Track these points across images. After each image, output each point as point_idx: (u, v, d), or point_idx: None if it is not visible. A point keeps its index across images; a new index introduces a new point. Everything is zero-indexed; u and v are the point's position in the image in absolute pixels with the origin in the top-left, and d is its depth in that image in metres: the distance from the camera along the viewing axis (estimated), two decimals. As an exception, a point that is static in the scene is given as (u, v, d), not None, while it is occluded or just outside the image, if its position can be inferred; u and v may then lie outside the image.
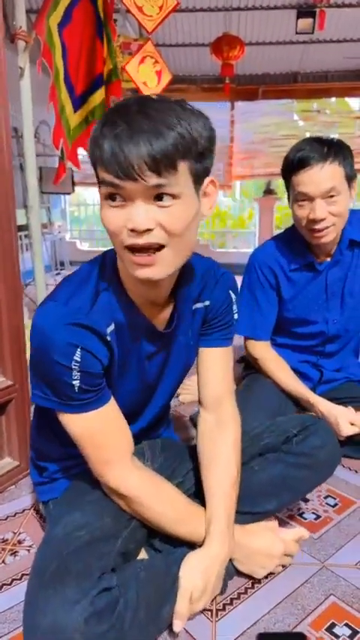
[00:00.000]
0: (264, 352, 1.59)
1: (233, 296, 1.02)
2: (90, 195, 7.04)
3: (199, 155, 0.75)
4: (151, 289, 0.87)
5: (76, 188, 5.71)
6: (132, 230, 0.73)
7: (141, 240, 0.74)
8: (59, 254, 6.21)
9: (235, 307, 1.03)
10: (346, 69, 6.23)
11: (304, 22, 4.64)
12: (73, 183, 5.37)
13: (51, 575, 0.77)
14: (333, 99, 6.58)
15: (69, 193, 5.65)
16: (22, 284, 1.40)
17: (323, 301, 1.52)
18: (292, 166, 1.35)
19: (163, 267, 0.78)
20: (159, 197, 0.73)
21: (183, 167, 0.73)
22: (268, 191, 6.48)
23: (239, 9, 4.95)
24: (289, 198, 1.46)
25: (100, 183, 0.75)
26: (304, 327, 1.57)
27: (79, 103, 2.41)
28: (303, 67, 6.25)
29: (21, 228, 1.37)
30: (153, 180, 0.71)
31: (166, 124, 0.70)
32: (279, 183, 6.68)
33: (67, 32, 2.14)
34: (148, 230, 0.73)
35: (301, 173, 1.33)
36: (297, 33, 4.75)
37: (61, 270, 6.03)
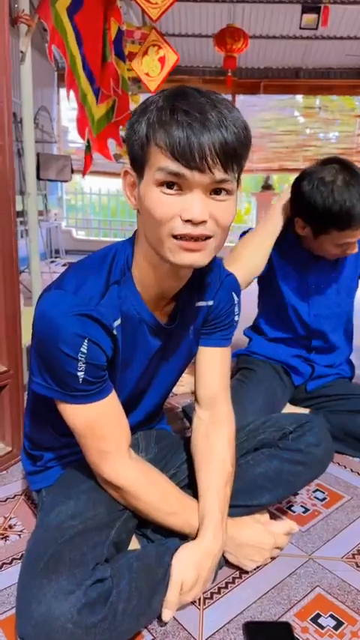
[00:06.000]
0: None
1: (236, 298, 1.03)
2: (87, 183, 6.98)
3: (247, 156, 0.78)
4: (173, 280, 0.88)
5: (74, 176, 5.67)
6: (188, 221, 0.73)
7: (196, 232, 0.74)
8: (55, 242, 6.18)
9: (236, 309, 1.04)
10: (348, 66, 6.21)
11: (309, 18, 4.61)
12: (72, 171, 5.34)
13: (45, 563, 0.78)
14: (335, 96, 6.55)
15: (66, 181, 5.60)
16: (18, 271, 1.39)
17: (308, 292, 1.54)
18: (342, 223, 1.31)
19: (206, 255, 0.79)
20: (216, 191, 0.75)
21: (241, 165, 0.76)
22: (266, 186, 6.46)
23: (244, 1, 4.91)
24: (299, 225, 1.41)
25: (159, 169, 0.73)
26: (289, 319, 1.59)
27: (100, 93, 2.38)
28: (305, 63, 6.22)
29: (17, 214, 1.36)
30: (220, 174, 0.72)
31: (234, 121, 0.72)
32: (277, 179, 6.67)
33: (80, 18, 2.10)
34: (203, 222, 0.74)
35: (353, 230, 1.32)
36: (301, 28, 4.73)
37: (56, 257, 6.00)
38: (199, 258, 0.78)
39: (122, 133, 2.79)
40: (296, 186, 1.37)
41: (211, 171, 0.71)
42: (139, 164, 0.77)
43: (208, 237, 0.76)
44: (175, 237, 0.75)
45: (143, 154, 0.75)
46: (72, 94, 2.24)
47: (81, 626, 0.72)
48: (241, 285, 1.21)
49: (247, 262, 1.46)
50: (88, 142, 2.47)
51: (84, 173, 2.77)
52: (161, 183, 0.74)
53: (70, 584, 0.74)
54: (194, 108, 0.70)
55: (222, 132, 0.70)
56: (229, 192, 0.76)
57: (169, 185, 0.73)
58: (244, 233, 1.59)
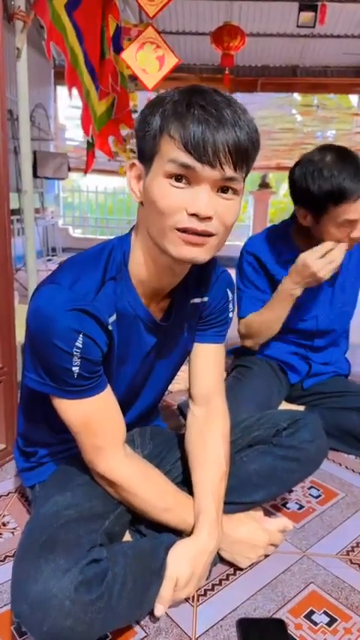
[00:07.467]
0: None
1: (230, 294, 1.03)
2: (84, 181, 6.97)
3: (255, 158, 0.79)
4: (170, 276, 0.88)
5: (71, 174, 5.67)
6: (194, 215, 0.74)
7: (200, 227, 0.75)
8: (51, 240, 6.17)
9: (231, 306, 1.04)
10: (345, 65, 6.21)
11: (306, 16, 4.60)
12: (69, 169, 5.33)
13: (41, 546, 0.78)
14: (332, 95, 6.56)
15: (63, 179, 5.60)
16: (13, 268, 1.38)
17: (313, 296, 1.53)
18: (335, 197, 1.29)
19: (208, 251, 0.79)
20: (223, 189, 0.76)
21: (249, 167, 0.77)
22: (263, 184, 6.46)
23: (241, -1, 4.91)
24: (301, 214, 1.40)
25: (170, 160, 0.73)
26: (294, 321, 1.58)
27: (99, 91, 2.38)
28: (303, 61, 6.22)
29: (13, 212, 1.35)
30: (229, 171, 0.73)
31: (247, 122, 0.74)
32: (274, 177, 6.67)
33: (79, 15, 2.10)
34: (209, 218, 0.74)
35: (349, 203, 1.30)
36: (298, 26, 4.72)
37: (53, 256, 5.99)
38: (200, 254, 0.78)
39: (123, 132, 2.78)
40: (290, 175, 1.40)
41: (221, 167, 0.72)
42: (148, 156, 0.77)
43: (211, 235, 0.77)
44: (178, 230, 0.76)
45: (154, 145, 0.76)
46: (75, 91, 2.23)
47: (78, 603, 0.72)
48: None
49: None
50: (92, 138, 2.46)
51: (86, 170, 2.74)
52: (170, 175, 0.74)
53: (67, 563, 0.74)
54: (210, 104, 0.72)
55: (236, 131, 0.72)
56: (235, 191, 0.77)
57: (178, 178, 0.74)
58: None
